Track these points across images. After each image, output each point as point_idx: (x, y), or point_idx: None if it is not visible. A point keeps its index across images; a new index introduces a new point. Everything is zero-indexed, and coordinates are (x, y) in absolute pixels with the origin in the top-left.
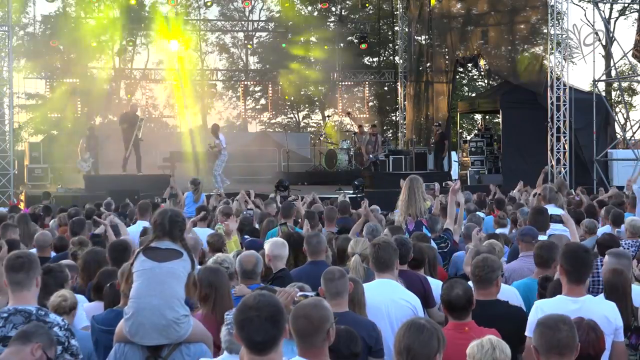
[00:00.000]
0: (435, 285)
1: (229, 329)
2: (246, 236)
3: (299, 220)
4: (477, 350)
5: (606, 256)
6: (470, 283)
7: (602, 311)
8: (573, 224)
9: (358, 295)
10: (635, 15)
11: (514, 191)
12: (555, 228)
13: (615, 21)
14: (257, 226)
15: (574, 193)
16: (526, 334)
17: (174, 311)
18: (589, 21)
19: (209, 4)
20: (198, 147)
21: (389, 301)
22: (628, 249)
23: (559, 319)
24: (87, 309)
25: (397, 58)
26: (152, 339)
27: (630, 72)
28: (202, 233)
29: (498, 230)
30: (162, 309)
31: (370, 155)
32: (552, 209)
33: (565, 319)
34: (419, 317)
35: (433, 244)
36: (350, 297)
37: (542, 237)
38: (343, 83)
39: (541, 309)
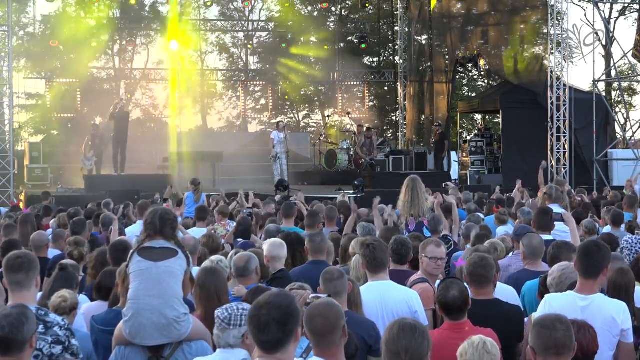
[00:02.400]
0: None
1: (217, 325)
2: (239, 239)
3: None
4: (469, 346)
5: None
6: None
7: (609, 311)
8: (574, 223)
9: (354, 295)
10: (635, 15)
11: (514, 191)
12: (558, 228)
13: (615, 21)
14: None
15: (573, 193)
16: None
17: (174, 310)
18: (589, 21)
19: (209, 4)
20: (198, 148)
21: (394, 301)
22: (635, 244)
23: (556, 318)
24: (88, 309)
25: (397, 58)
26: (153, 339)
27: (630, 72)
28: (200, 233)
29: (500, 228)
30: (162, 308)
31: (367, 158)
32: (556, 209)
33: (562, 318)
34: (407, 318)
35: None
36: (347, 297)
37: (546, 237)
38: (343, 83)
39: (550, 303)
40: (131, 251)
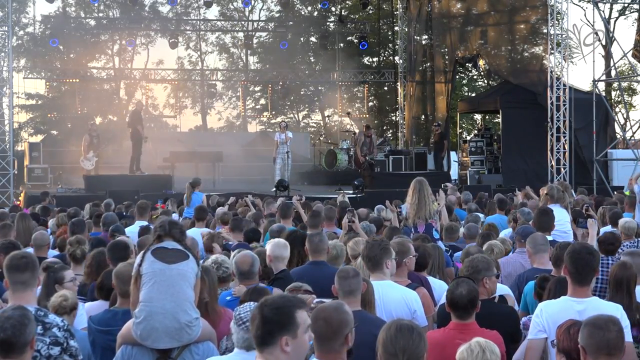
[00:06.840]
0: (438, 286)
1: (247, 326)
2: (230, 242)
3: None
4: (467, 355)
5: (622, 257)
6: None
7: (608, 312)
8: (595, 230)
9: (369, 295)
10: (635, 15)
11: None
12: (558, 229)
13: (615, 21)
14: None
15: (574, 194)
16: (529, 336)
17: (186, 314)
18: (589, 21)
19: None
20: (198, 148)
21: (393, 301)
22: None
23: (609, 319)
24: (89, 309)
25: (397, 58)
26: (164, 342)
27: (630, 72)
28: (198, 233)
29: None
30: (175, 312)
31: (367, 157)
32: (557, 209)
33: (614, 319)
34: (403, 319)
35: (441, 244)
36: (361, 296)
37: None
38: (343, 83)
39: (546, 311)
40: (143, 251)
